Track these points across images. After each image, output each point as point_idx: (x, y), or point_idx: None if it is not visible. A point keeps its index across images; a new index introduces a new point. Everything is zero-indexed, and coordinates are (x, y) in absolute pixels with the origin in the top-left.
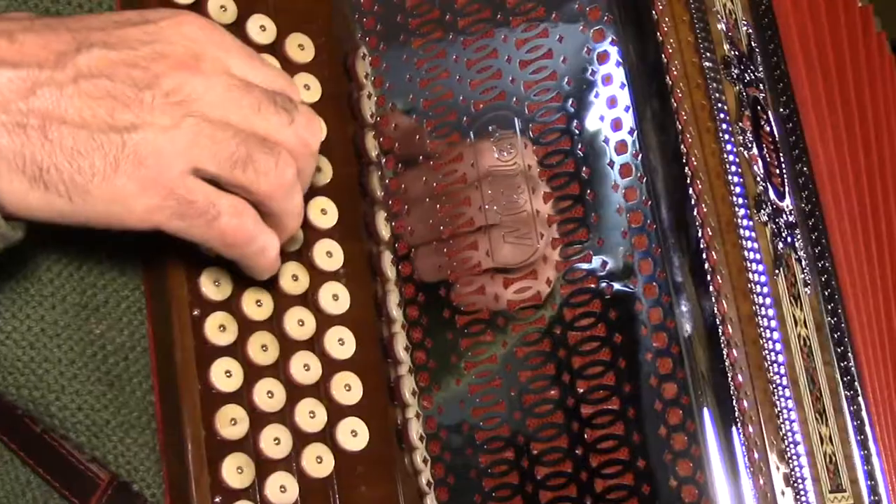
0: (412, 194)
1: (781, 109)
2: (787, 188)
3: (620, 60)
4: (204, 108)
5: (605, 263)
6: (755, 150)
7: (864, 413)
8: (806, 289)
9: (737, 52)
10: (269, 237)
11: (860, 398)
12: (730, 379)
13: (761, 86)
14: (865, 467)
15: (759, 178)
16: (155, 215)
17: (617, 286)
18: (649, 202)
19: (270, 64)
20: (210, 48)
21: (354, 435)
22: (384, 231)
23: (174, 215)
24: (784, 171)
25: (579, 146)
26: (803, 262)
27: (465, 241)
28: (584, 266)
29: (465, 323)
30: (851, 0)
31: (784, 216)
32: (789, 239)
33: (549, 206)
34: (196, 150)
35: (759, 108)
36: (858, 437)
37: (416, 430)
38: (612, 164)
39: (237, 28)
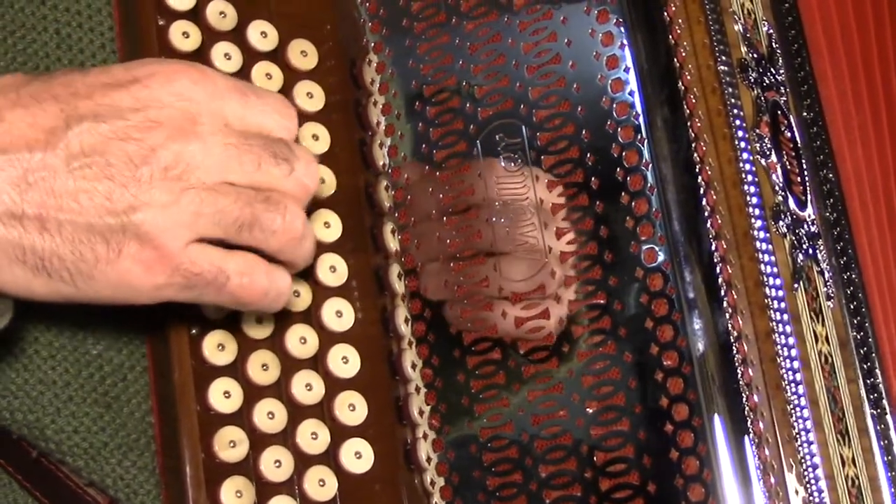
0: (419, 206)
1: (805, 113)
2: (809, 197)
3: (630, 66)
4: (203, 175)
5: (613, 278)
6: (774, 158)
7: (892, 432)
8: (829, 303)
9: (755, 55)
10: (281, 280)
11: (888, 416)
12: (744, 399)
13: (782, 89)
14: (893, 489)
15: (777, 188)
16: (163, 292)
17: (627, 302)
18: (660, 214)
19: (267, 93)
20: (204, 103)
21: (359, 457)
22: (391, 243)
23: (183, 288)
24: (806, 178)
25: (588, 156)
26: (826, 275)
27: (472, 255)
28: (593, 279)
29: (472, 340)
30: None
31: (805, 226)
32: (811, 251)
33: (558, 218)
34: (200, 221)
35: (779, 112)
36: (886, 458)
37: (425, 450)
38: (622, 173)
39: (237, 35)
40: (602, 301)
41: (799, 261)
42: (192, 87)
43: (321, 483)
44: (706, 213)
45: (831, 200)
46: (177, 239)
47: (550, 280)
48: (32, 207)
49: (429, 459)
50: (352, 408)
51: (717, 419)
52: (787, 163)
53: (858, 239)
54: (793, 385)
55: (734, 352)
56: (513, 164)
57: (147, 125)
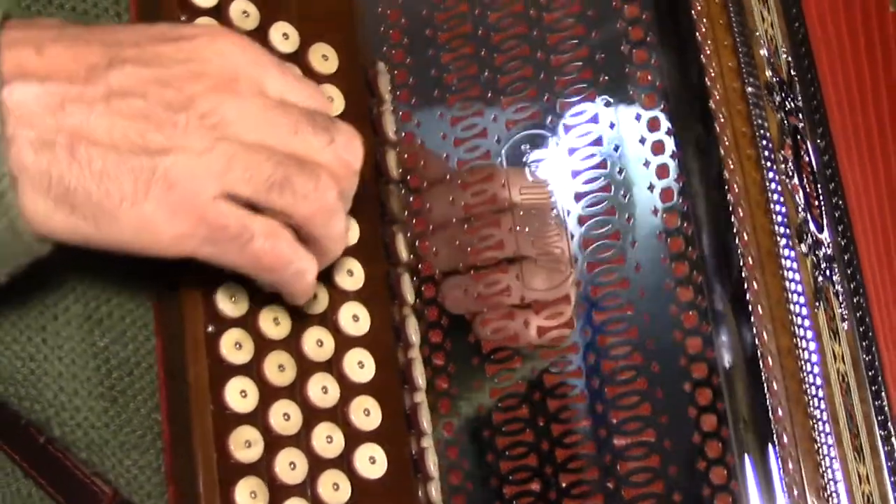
0: (438, 213)
1: (819, 141)
2: (825, 220)
3: (660, 84)
4: (239, 130)
5: (643, 288)
6: (796, 180)
7: None
8: (843, 324)
9: (778, 79)
10: (307, 261)
11: (893, 439)
12: (770, 414)
13: (800, 115)
14: None
15: (800, 209)
16: (185, 242)
17: (656, 312)
18: (690, 228)
19: (307, 80)
20: (246, 67)
21: (373, 462)
22: (404, 253)
23: (205, 241)
24: (822, 203)
25: (617, 169)
26: (840, 297)
27: (494, 263)
28: (621, 291)
29: (491, 348)
30: (886, 34)
31: (823, 248)
32: (828, 272)
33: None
34: (230, 175)
35: (798, 137)
36: (893, 479)
37: (432, 460)
38: (651, 188)
39: (259, 35)
40: (630, 312)
41: (819, 281)
42: (234, 50)
43: (335, 487)
44: (734, 230)
45: (841, 227)
46: (206, 188)
47: (575, 289)
48: (65, 137)
49: (437, 466)
50: (367, 413)
51: (744, 432)
52: (807, 186)
53: (863, 266)
54: (815, 400)
55: (761, 366)
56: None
57: (188, 76)
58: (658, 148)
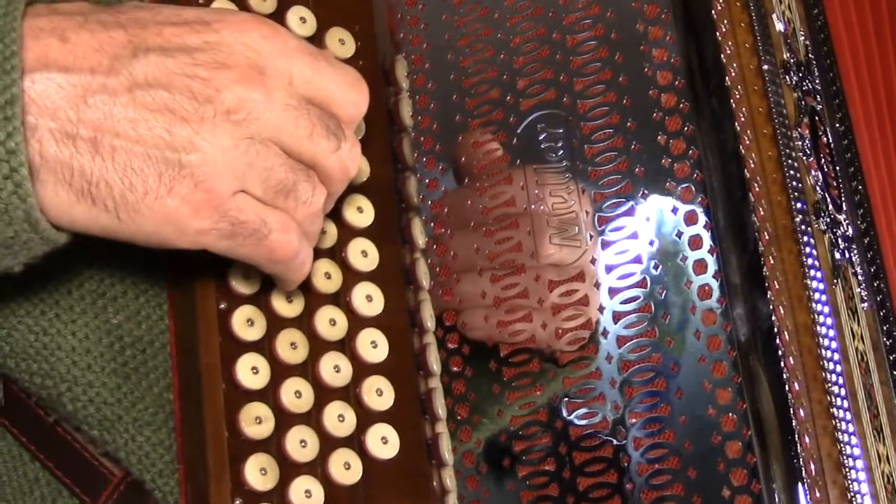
0: (455, 215)
1: (837, 125)
2: (843, 201)
3: (676, 59)
4: (261, 128)
5: (657, 266)
6: (813, 158)
7: None
8: (863, 304)
9: (795, 60)
10: (307, 249)
11: None
12: (787, 388)
13: (818, 97)
14: None
15: (818, 187)
16: (205, 237)
17: (670, 291)
18: (706, 202)
19: (342, 64)
20: (273, 58)
21: (385, 442)
22: (420, 238)
23: (224, 236)
24: (840, 184)
25: (633, 144)
26: (860, 277)
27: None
28: (635, 266)
29: (509, 352)
30: None
31: (841, 228)
32: (846, 252)
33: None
34: (249, 174)
35: (816, 118)
36: None
37: (446, 446)
38: (668, 162)
39: (277, 18)
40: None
41: (837, 259)
42: (261, 41)
43: (346, 466)
44: (750, 205)
45: (861, 211)
46: (228, 185)
47: (594, 291)
48: (88, 129)
49: (451, 455)
50: (379, 392)
51: (761, 404)
52: (825, 166)
53: (885, 253)
54: (833, 376)
55: (777, 342)
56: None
57: (214, 66)
58: (674, 124)
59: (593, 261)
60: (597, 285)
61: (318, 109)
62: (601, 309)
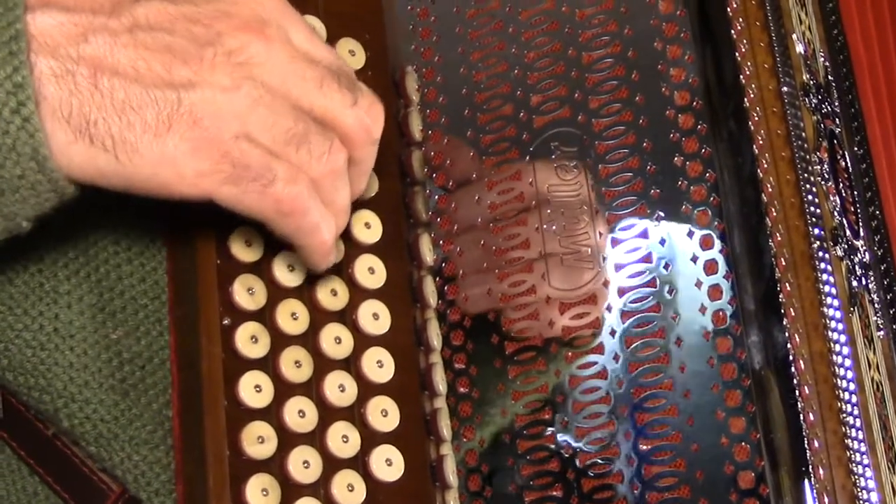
0: (464, 212)
1: (856, 149)
2: (860, 227)
3: (694, 79)
4: (265, 74)
5: (671, 290)
6: (832, 183)
7: None
8: (879, 333)
9: (815, 82)
10: (325, 216)
11: None
12: (801, 418)
13: (837, 120)
14: None
15: (836, 212)
16: (206, 180)
17: (683, 314)
18: (722, 226)
19: (331, 48)
20: (275, 16)
21: (389, 464)
22: (428, 255)
23: (226, 180)
24: (858, 209)
25: (649, 165)
26: (876, 305)
27: (518, 264)
28: (648, 290)
29: (514, 350)
30: None
31: (858, 255)
32: (863, 280)
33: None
34: (252, 118)
35: (835, 142)
36: None
37: (451, 468)
38: (684, 185)
39: None
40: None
41: (854, 286)
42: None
43: (350, 488)
44: (767, 230)
45: (878, 237)
46: (229, 126)
47: (603, 290)
48: (87, 67)
49: (456, 474)
50: (384, 413)
51: (775, 435)
52: (843, 191)
53: None
54: (848, 406)
55: (792, 370)
56: (566, 172)
57: (217, 14)
58: (691, 145)
59: (605, 283)
60: (608, 308)
61: (326, 64)
62: (612, 333)
